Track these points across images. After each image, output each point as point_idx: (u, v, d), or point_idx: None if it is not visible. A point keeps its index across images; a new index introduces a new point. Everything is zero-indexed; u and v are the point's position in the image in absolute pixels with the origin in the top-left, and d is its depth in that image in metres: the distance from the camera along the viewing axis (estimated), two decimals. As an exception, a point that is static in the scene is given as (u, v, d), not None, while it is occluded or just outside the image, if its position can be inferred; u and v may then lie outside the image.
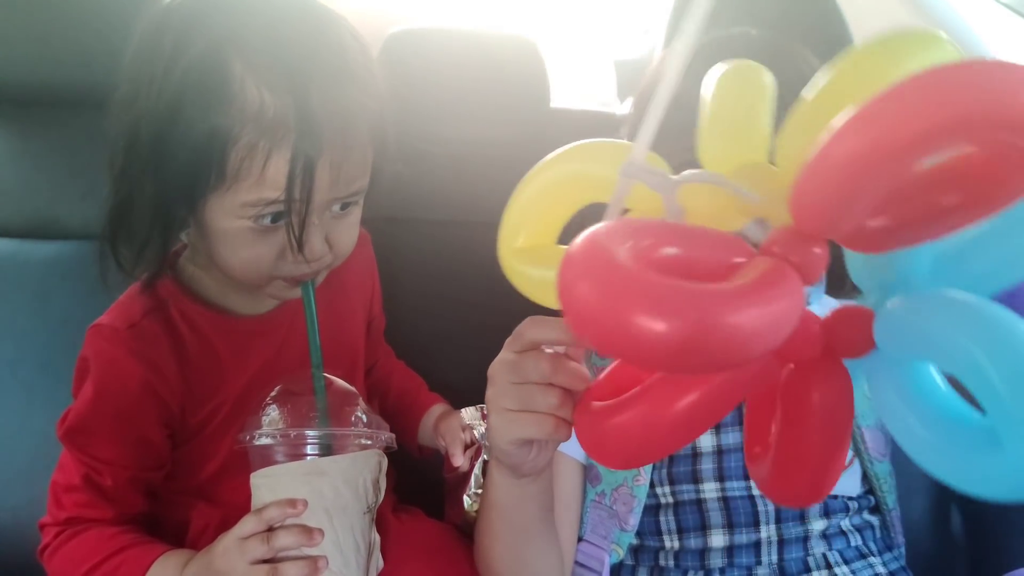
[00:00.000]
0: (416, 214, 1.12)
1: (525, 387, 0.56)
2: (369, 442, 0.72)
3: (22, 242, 1.04)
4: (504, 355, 0.59)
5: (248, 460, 0.71)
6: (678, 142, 0.79)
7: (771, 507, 0.78)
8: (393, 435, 0.75)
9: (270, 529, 0.67)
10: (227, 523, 0.71)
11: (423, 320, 1.07)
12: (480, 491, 0.80)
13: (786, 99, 0.76)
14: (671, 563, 0.80)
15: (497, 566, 0.75)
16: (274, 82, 0.64)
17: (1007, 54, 1.46)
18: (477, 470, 0.80)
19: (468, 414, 0.85)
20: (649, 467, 0.81)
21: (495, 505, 0.71)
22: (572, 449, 0.85)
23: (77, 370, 0.76)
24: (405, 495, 0.90)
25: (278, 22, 0.66)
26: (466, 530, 0.84)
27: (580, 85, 1.93)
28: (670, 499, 0.81)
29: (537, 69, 1.14)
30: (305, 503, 0.68)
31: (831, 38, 1.05)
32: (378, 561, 0.74)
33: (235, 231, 0.68)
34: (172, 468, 0.79)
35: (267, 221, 0.68)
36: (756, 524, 0.78)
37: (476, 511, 0.81)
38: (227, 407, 0.79)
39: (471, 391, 0.90)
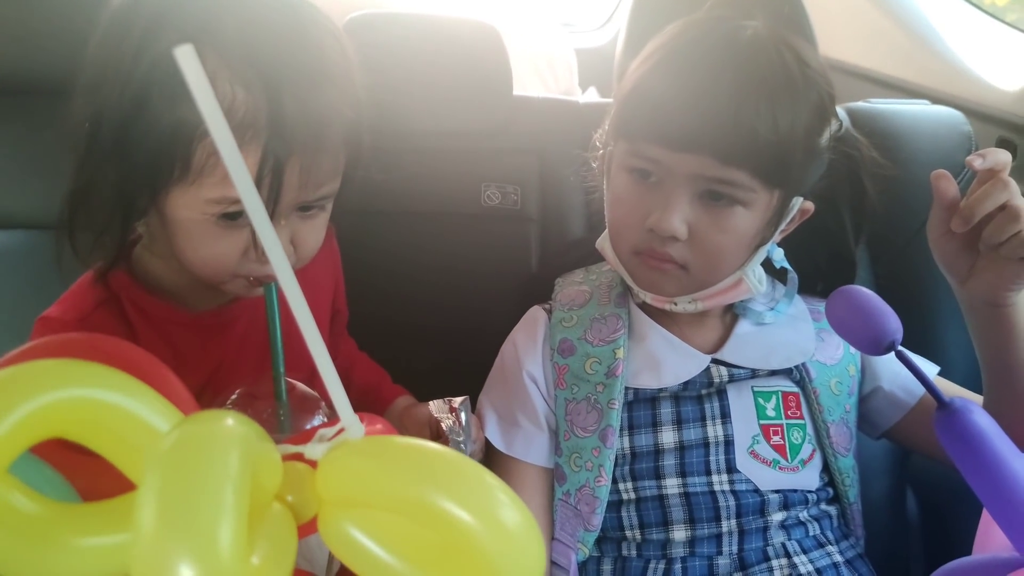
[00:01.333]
0: (380, 206, 1.10)
1: None
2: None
3: None
4: None
5: None
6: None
7: (732, 502, 0.79)
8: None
9: None
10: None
11: (388, 311, 1.06)
12: None
13: (771, 90, 0.74)
14: (633, 553, 0.80)
15: None
16: (248, 80, 0.62)
17: (973, 52, 1.49)
18: None
19: (435, 407, 0.84)
20: (610, 467, 0.81)
21: None
22: (533, 456, 0.85)
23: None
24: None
25: (256, 18, 0.64)
26: None
27: (541, 73, 1.92)
28: (632, 495, 0.81)
29: (499, 56, 1.13)
30: None
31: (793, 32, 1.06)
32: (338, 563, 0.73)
33: (197, 226, 0.67)
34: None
35: (231, 218, 0.66)
36: (717, 519, 0.79)
37: None
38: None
39: (437, 382, 0.89)
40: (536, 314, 0.91)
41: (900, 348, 0.64)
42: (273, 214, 0.65)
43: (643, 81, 0.77)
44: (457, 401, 0.83)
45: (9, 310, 0.97)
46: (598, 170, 0.88)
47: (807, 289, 0.90)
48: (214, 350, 0.78)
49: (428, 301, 1.09)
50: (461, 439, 0.80)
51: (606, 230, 0.86)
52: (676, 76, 0.75)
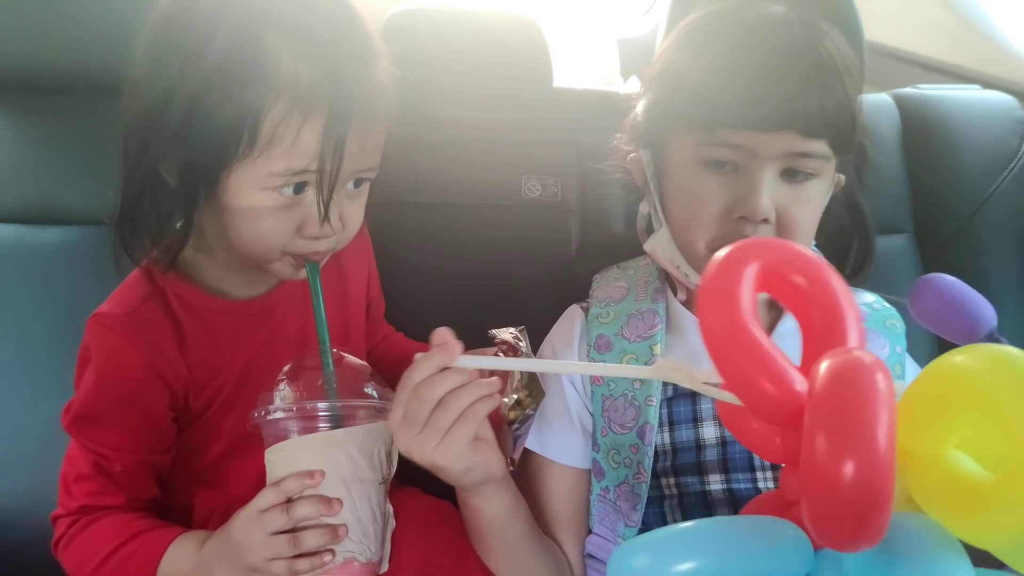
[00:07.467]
0: (421, 198, 1.11)
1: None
2: (381, 413, 0.72)
3: (26, 228, 1.04)
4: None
5: (260, 440, 0.72)
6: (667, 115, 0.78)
7: None
8: None
9: (289, 501, 0.68)
10: (231, 510, 0.71)
11: (421, 302, 1.06)
12: (516, 396, 0.78)
13: (811, 77, 0.74)
14: (676, 546, 0.80)
15: None
16: (308, 53, 0.67)
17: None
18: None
19: (500, 333, 0.83)
20: (649, 464, 0.80)
21: (484, 532, 0.77)
22: (568, 457, 0.85)
23: (79, 360, 0.77)
24: (403, 476, 0.90)
25: (310, 1, 0.70)
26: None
27: (582, 64, 1.92)
28: (675, 491, 0.81)
29: (540, 48, 1.13)
30: (323, 473, 0.69)
31: (838, 16, 1.04)
32: (392, 529, 0.75)
33: (257, 203, 0.70)
34: (176, 453, 0.80)
35: (290, 192, 0.70)
36: None
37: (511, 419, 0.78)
38: (228, 388, 0.79)
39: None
40: (573, 313, 0.91)
41: (998, 336, 0.62)
42: (336, 179, 0.69)
43: (706, 68, 0.75)
44: (516, 331, 0.81)
45: (68, 305, 1.00)
46: (635, 174, 0.85)
47: None
48: (254, 336, 0.81)
49: (467, 291, 1.09)
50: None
51: (657, 232, 0.83)
52: (743, 57, 0.73)
